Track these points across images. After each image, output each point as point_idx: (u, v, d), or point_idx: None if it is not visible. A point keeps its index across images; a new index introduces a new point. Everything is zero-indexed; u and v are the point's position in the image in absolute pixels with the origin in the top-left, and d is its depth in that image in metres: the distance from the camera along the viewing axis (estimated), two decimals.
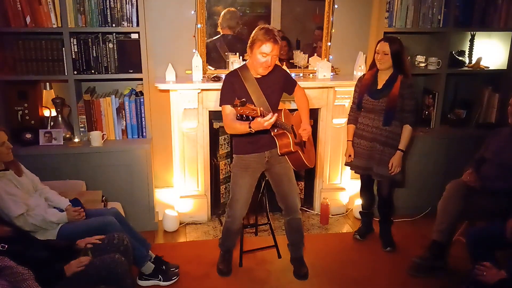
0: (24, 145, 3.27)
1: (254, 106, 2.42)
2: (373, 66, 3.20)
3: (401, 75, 3.10)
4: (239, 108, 2.33)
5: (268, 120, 2.40)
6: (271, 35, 2.55)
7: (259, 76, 2.73)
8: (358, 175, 3.47)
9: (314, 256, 3.27)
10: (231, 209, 2.91)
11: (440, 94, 3.83)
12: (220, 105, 2.73)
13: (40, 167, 3.09)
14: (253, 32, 2.63)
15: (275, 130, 2.70)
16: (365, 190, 3.48)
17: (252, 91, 2.70)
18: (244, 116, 2.37)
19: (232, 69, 2.97)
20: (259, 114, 2.38)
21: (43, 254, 2.25)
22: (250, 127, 2.47)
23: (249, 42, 2.65)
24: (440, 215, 3.05)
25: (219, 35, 3.61)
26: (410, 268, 3.08)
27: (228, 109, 2.66)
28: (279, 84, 2.81)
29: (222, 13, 3.55)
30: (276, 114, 2.45)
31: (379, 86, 3.15)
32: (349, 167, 3.42)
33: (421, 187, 3.85)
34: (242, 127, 2.54)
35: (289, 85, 2.90)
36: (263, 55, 2.58)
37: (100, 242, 2.44)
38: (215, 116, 3.65)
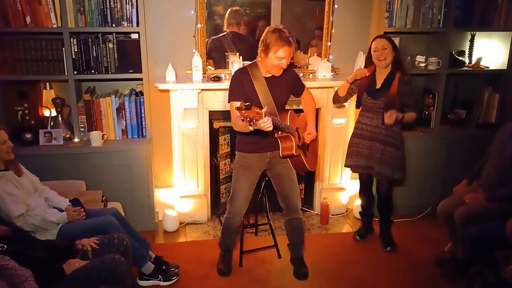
0: (24, 145, 3.27)
1: (260, 109, 2.37)
2: (369, 64, 3.18)
3: (398, 72, 3.10)
4: (243, 111, 2.31)
5: (265, 123, 2.37)
6: (286, 39, 2.56)
7: (268, 75, 2.73)
8: (358, 175, 3.46)
9: (314, 256, 3.27)
10: (232, 205, 2.91)
11: (440, 94, 3.82)
12: (228, 101, 2.74)
13: (40, 167, 3.09)
14: (265, 34, 2.62)
15: (279, 133, 2.69)
16: (364, 190, 3.47)
17: (260, 90, 2.69)
18: (248, 119, 2.35)
19: (241, 66, 2.95)
20: (263, 117, 2.35)
21: (42, 254, 2.25)
22: (250, 126, 2.40)
23: (261, 45, 2.63)
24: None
25: (224, 33, 3.60)
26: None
27: (235, 106, 2.65)
28: (287, 85, 2.81)
29: (228, 12, 3.54)
30: (270, 119, 2.40)
31: (378, 86, 3.15)
32: (349, 168, 3.41)
33: (421, 187, 3.85)
34: (243, 126, 2.52)
35: (298, 88, 2.91)
36: (279, 59, 2.59)
37: (98, 242, 2.44)
38: (215, 116, 3.65)
